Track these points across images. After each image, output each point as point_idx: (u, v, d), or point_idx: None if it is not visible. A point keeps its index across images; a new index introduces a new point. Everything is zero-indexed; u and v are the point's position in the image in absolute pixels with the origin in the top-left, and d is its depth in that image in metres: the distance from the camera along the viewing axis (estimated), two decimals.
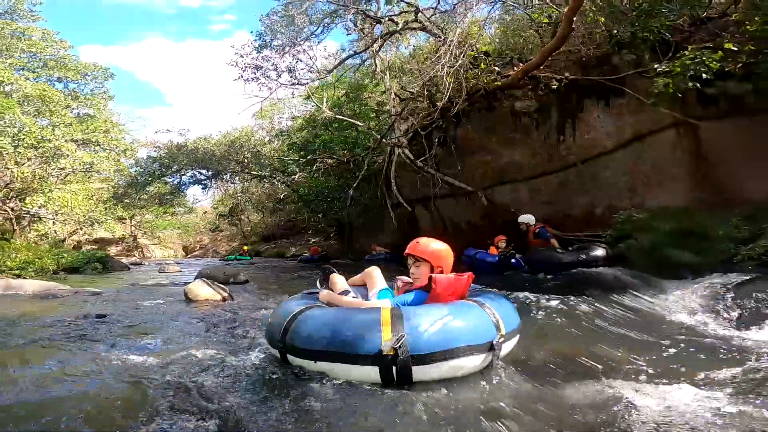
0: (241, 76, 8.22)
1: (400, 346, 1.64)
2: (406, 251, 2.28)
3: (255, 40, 8.34)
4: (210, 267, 8.03)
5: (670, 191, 6.61)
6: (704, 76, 4.61)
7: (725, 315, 2.31)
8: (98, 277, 8.23)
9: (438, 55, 5.90)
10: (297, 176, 9.06)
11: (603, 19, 6.46)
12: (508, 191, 7.78)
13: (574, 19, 5.96)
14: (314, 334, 1.83)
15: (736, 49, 4.81)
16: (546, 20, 7.28)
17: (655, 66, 5.32)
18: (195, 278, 4.82)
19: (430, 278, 2.05)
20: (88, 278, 7.74)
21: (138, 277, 8.89)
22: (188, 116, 77.87)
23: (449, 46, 5.72)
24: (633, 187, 7.03)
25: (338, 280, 2.48)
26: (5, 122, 13.42)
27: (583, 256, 4.96)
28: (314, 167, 8.58)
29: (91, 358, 2.35)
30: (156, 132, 18.54)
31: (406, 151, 7.49)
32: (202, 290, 3.52)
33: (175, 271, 10.19)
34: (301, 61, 8.02)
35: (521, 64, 7.06)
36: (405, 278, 2.52)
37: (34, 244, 13.92)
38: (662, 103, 5.75)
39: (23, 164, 14.61)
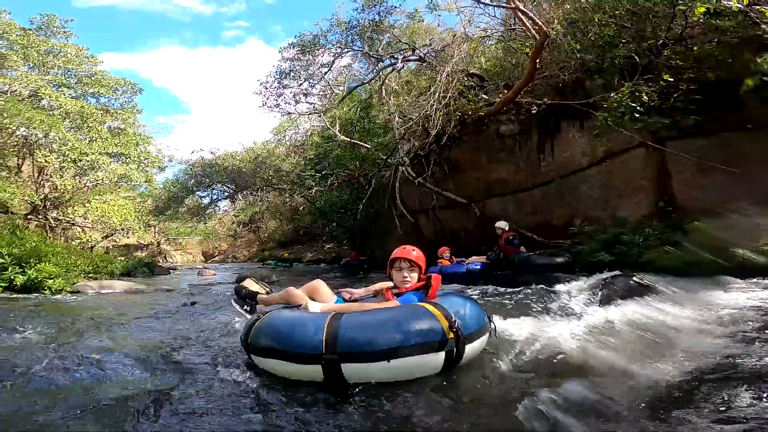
0: (265, 104, 9.93)
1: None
2: (399, 256, 2.46)
3: (275, 72, 10.07)
4: (248, 270, 9.66)
5: (638, 202, 7.81)
6: (637, 109, 5.84)
7: (591, 298, 3.65)
8: (150, 279, 9.89)
9: (429, 93, 7.37)
10: (313, 190, 10.63)
11: (578, 45, 7.74)
12: (498, 203, 9.13)
13: (544, 54, 7.35)
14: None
15: (672, 80, 6.04)
16: (528, 50, 8.66)
17: (603, 98, 6.62)
18: (238, 278, 6.32)
19: (428, 278, 2.41)
20: (143, 280, 9.41)
21: (186, 278, 10.60)
22: (207, 122, 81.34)
23: (438, 86, 7.19)
24: (606, 200, 8.26)
25: (324, 290, 2.71)
26: (50, 138, 15.53)
27: (550, 261, 6.27)
28: (329, 182, 10.17)
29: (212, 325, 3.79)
30: (192, 152, 20.60)
31: (409, 169, 8.94)
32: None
33: (211, 274, 11.93)
34: (314, 87, 9.65)
35: (507, 90, 8.48)
36: (352, 290, 2.82)
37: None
38: (626, 126, 7.02)
39: (64, 177, 16.74)
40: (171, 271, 14.36)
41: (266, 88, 9.85)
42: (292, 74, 9.65)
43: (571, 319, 2.85)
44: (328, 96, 11.70)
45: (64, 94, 18.94)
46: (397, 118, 9.14)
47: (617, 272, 4.60)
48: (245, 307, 2.76)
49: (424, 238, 11.28)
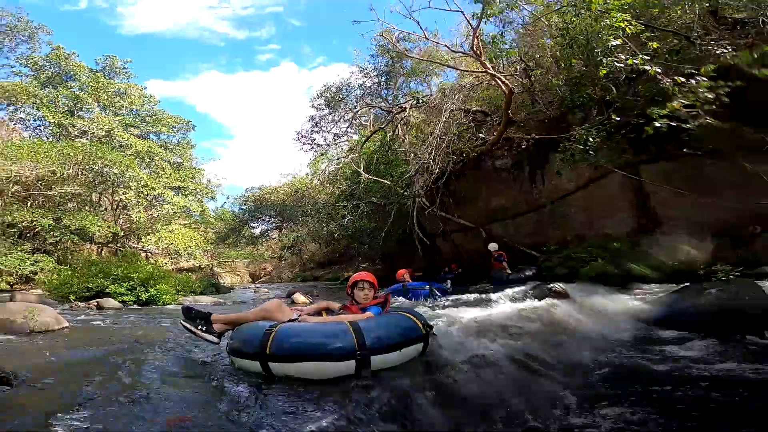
0: (302, 148, 12.67)
1: None
2: (362, 279, 3.25)
3: (308, 121, 12.74)
4: (297, 287, 12.22)
5: (619, 220, 9.42)
6: (587, 147, 7.58)
7: (519, 297, 5.58)
8: (219, 296, 12.26)
9: (429, 139, 9.53)
10: (346, 219, 13.04)
11: (561, 82, 9.51)
12: (500, 226, 10.97)
13: (536, 89, 9.29)
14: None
15: (619, 119, 7.72)
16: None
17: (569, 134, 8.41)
18: (288, 293, 8.64)
19: (386, 297, 3.30)
20: (215, 296, 11.83)
21: (245, 295, 13.25)
22: (248, 147, 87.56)
23: (435, 134, 9.34)
24: (591, 220, 9.89)
25: (285, 308, 3.19)
26: (127, 177, 19.09)
27: (521, 275, 8.11)
28: (359, 211, 12.54)
29: None
30: (246, 190, 23.97)
31: (423, 200, 11.08)
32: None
33: (264, 290, 14.64)
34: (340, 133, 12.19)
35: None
36: (300, 308, 3.39)
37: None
38: (579, 162, 8.63)
39: (138, 210, 20.34)
40: (231, 289, 17.18)
41: (302, 136, 12.56)
42: (322, 123, 12.30)
43: (484, 310, 4.90)
44: (355, 129, 14.32)
45: (131, 134, 22.88)
46: (411, 156, 11.36)
47: (538, 282, 6.38)
48: (199, 327, 2.94)
49: (442, 258, 13.29)
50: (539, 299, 5.17)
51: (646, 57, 6.13)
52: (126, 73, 25.72)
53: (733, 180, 7.34)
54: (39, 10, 55.25)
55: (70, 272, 9.07)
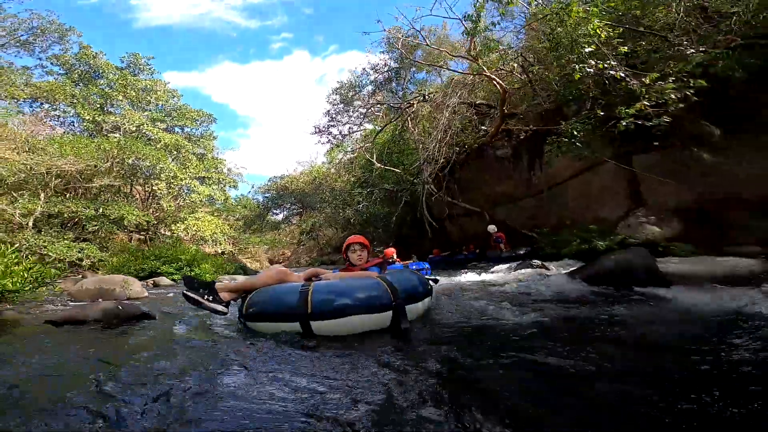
0: (319, 141, 13.92)
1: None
2: (354, 241, 3.53)
3: (325, 114, 14.07)
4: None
5: (613, 205, 10.46)
6: (573, 140, 8.64)
7: (505, 269, 6.82)
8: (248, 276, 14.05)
9: (434, 132, 10.70)
10: (361, 205, 14.37)
11: (556, 77, 10.48)
12: (504, 210, 12.16)
13: (535, 81, 10.35)
14: None
15: (602, 113, 8.71)
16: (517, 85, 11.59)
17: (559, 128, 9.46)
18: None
19: (385, 259, 3.78)
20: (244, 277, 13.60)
21: None
22: (265, 135, 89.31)
23: (440, 127, 10.50)
24: (587, 205, 10.98)
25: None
26: (158, 170, 20.78)
27: (513, 254, 9.32)
28: (372, 197, 13.84)
29: None
30: (269, 179, 25.56)
31: (432, 187, 12.29)
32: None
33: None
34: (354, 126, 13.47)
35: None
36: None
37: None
38: (566, 153, 9.63)
39: (167, 200, 22.09)
40: (256, 272, 18.75)
41: (320, 130, 13.87)
42: (337, 117, 13.54)
43: (477, 274, 6.22)
44: (368, 120, 15.63)
45: (159, 128, 24.55)
46: (420, 146, 12.57)
47: (525, 260, 7.62)
48: (205, 297, 2.90)
49: (451, 240, 14.56)
50: (519, 270, 6.45)
51: (614, 63, 7.15)
52: (149, 69, 27.32)
53: (703, 169, 8.38)
54: (55, 5, 57.27)
55: (127, 255, 10.69)
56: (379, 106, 13.92)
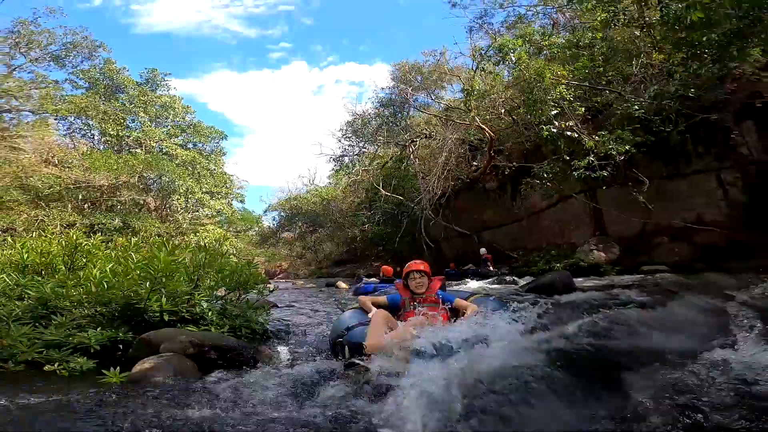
0: (333, 168, 16.45)
1: None
2: (413, 269, 3.54)
3: (338, 141, 16.62)
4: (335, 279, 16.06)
5: (583, 232, 12.92)
6: (544, 180, 11.09)
7: (483, 283, 9.16)
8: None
9: (434, 169, 13.19)
10: (366, 226, 16.76)
11: (536, 121, 12.99)
12: (490, 234, 14.55)
13: (519, 119, 12.89)
14: None
15: (568, 158, 11.17)
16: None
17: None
18: (327, 282, 12.32)
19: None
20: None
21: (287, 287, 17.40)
22: (261, 145, 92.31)
23: (438, 165, 13.01)
24: (562, 231, 13.38)
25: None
26: (177, 185, 23.09)
27: (493, 271, 11.69)
28: (376, 219, 16.23)
29: None
30: (278, 195, 27.97)
31: (430, 213, 14.72)
32: (341, 284, 10.49)
33: (301, 283, 18.53)
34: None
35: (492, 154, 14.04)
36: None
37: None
38: (565, 182, 12.08)
39: (182, 213, 24.40)
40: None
41: (334, 159, 16.44)
42: (347, 148, 16.11)
43: (466, 284, 8.59)
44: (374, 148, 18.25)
45: (176, 144, 27.02)
46: (420, 176, 15.06)
47: (500, 276, 9.94)
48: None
49: (446, 258, 16.92)
50: (496, 284, 8.86)
51: (571, 123, 9.66)
52: (166, 85, 29.85)
53: (648, 204, 10.85)
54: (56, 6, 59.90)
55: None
56: (384, 137, 16.53)
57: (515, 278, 9.06)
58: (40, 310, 3.17)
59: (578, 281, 7.88)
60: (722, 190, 10.63)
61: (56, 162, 21.10)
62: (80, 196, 20.55)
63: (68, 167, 20.09)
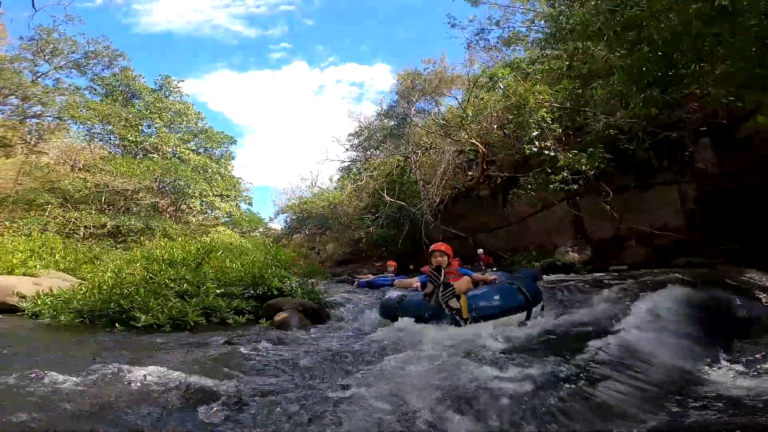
0: (341, 176, 18.44)
1: None
2: (436, 248, 4.75)
3: (347, 149, 18.69)
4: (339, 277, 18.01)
5: (565, 236, 14.87)
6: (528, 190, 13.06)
7: None
8: None
9: (434, 179, 15.14)
10: (371, 229, 18.74)
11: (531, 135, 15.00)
12: (484, 237, 16.52)
13: (512, 133, 14.87)
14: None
15: (550, 171, 13.17)
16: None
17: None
18: (338, 280, 14.25)
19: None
20: None
21: None
22: (262, 146, 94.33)
23: (436, 176, 14.95)
24: (548, 235, 15.31)
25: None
26: (192, 189, 25.08)
27: (486, 270, 13.67)
28: (380, 222, 18.20)
29: None
30: (286, 202, 30.06)
31: (429, 217, 16.67)
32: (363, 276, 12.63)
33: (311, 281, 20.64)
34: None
35: (487, 165, 16.02)
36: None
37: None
38: (543, 190, 14.10)
39: (196, 215, 26.42)
40: None
41: (343, 169, 18.49)
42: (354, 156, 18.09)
43: None
44: (378, 156, 20.30)
45: (189, 149, 29.00)
46: (421, 183, 17.04)
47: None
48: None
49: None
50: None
51: (549, 144, 11.60)
52: (179, 91, 31.73)
53: (621, 211, 12.78)
54: (58, 9, 60.95)
55: None
56: (388, 147, 18.58)
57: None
58: (191, 288, 5.17)
59: (551, 276, 9.85)
60: (682, 200, 12.51)
61: (81, 166, 23.13)
62: (103, 199, 22.56)
63: (92, 171, 22.05)
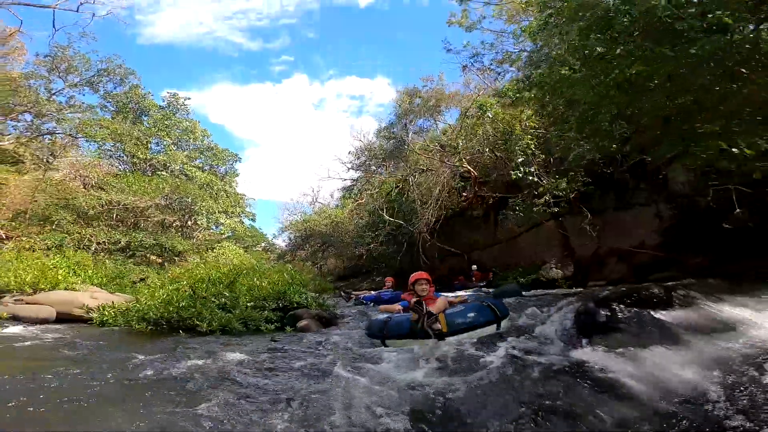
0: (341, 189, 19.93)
1: None
2: (417, 278, 5.50)
3: (348, 169, 20.18)
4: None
5: (553, 253, 16.22)
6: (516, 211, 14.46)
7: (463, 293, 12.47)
8: None
9: (427, 205, 16.54)
10: (371, 246, 20.09)
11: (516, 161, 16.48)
12: (477, 254, 17.84)
13: (503, 156, 16.31)
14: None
15: (536, 192, 14.58)
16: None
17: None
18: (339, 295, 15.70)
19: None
20: None
21: None
22: (263, 159, 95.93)
23: (432, 197, 16.37)
24: (538, 252, 16.66)
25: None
26: (199, 206, 26.40)
27: (481, 284, 14.95)
28: (379, 240, 19.55)
29: None
30: (289, 219, 31.52)
31: (426, 235, 18.02)
32: (360, 292, 14.01)
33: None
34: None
35: (480, 187, 17.44)
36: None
37: None
38: (528, 214, 15.51)
39: (202, 231, 27.72)
40: None
41: (345, 189, 19.92)
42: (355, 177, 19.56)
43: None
44: (378, 174, 21.84)
45: (196, 166, 30.40)
46: (418, 202, 18.45)
47: (483, 288, 13.19)
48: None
49: (443, 273, 20.21)
50: (476, 293, 12.09)
51: (532, 170, 13.01)
52: (186, 109, 33.11)
53: (601, 230, 14.13)
54: (58, 18, 61.91)
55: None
56: (388, 167, 20.06)
57: (489, 289, 12.33)
58: (229, 302, 6.50)
59: (532, 292, 11.20)
60: (659, 219, 13.81)
61: (93, 184, 24.47)
62: (114, 215, 23.89)
63: (104, 189, 23.38)
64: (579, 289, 11.11)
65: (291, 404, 2.81)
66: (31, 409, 2.69)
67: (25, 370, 3.72)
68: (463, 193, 17.19)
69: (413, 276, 5.67)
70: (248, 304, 6.44)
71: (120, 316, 6.41)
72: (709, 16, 4.81)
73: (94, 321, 6.65)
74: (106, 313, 6.62)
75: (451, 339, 4.73)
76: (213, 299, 6.38)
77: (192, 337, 5.39)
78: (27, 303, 7.41)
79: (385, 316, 5.54)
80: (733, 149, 5.03)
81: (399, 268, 21.75)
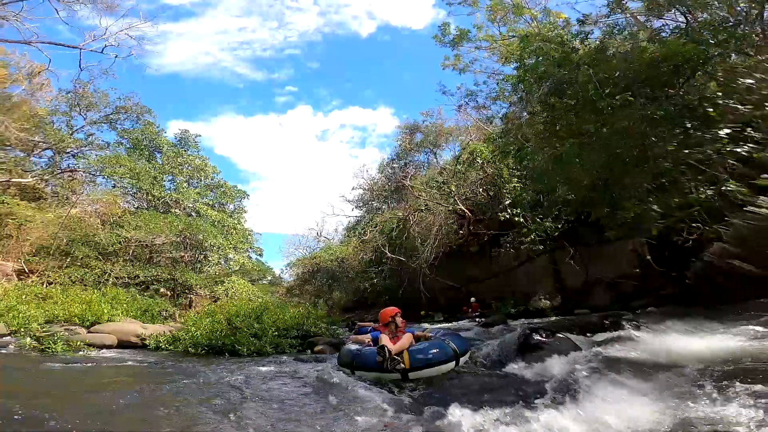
0: (348, 235, 21.67)
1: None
2: (394, 315, 6.05)
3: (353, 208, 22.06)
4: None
5: (545, 284, 17.76)
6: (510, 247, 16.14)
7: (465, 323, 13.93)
8: None
9: (426, 243, 18.29)
10: (375, 281, 21.71)
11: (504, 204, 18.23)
12: (475, 286, 19.35)
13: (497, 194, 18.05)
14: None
15: (525, 228, 16.23)
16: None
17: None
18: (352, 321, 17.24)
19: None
20: None
21: None
22: (268, 192, 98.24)
23: (430, 236, 18.09)
24: (531, 283, 18.18)
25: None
26: (210, 244, 28.14)
27: (478, 315, 16.45)
28: (383, 274, 21.15)
29: None
30: (296, 255, 33.18)
31: (426, 270, 19.62)
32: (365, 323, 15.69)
33: None
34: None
35: (476, 224, 19.16)
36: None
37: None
38: (516, 250, 17.14)
39: (213, 267, 29.35)
40: None
41: (351, 227, 21.74)
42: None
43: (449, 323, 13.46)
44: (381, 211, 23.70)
45: (207, 203, 32.25)
46: (418, 240, 20.17)
47: (478, 319, 14.72)
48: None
49: (443, 305, 21.71)
50: (471, 323, 13.64)
51: (518, 210, 14.74)
52: (197, 145, 35.08)
53: (588, 263, 15.73)
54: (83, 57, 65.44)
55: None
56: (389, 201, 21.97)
57: (482, 319, 13.89)
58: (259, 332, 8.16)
59: (518, 321, 12.75)
60: (637, 252, 15.33)
61: (112, 220, 26.33)
62: (131, 251, 25.63)
63: (122, 226, 25.18)
64: (560, 317, 12.65)
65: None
66: (160, 412, 4.11)
67: (133, 383, 5.35)
68: (460, 231, 18.90)
69: (383, 312, 6.28)
70: (274, 333, 8.08)
71: (173, 342, 8.07)
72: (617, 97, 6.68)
73: (150, 346, 8.30)
74: (161, 339, 8.27)
75: (412, 375, 5.34)
76: (245, 329, 8.04)
77: (235, 358, 7.02)
78: (89, 332, 9.12)
79: (355, 347, 6.09)
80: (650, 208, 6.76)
81: (401, 301, 23.38)
